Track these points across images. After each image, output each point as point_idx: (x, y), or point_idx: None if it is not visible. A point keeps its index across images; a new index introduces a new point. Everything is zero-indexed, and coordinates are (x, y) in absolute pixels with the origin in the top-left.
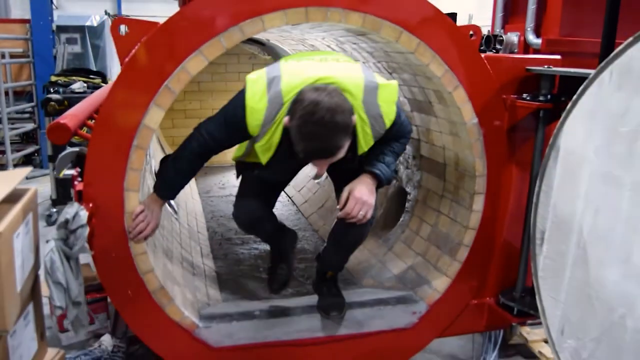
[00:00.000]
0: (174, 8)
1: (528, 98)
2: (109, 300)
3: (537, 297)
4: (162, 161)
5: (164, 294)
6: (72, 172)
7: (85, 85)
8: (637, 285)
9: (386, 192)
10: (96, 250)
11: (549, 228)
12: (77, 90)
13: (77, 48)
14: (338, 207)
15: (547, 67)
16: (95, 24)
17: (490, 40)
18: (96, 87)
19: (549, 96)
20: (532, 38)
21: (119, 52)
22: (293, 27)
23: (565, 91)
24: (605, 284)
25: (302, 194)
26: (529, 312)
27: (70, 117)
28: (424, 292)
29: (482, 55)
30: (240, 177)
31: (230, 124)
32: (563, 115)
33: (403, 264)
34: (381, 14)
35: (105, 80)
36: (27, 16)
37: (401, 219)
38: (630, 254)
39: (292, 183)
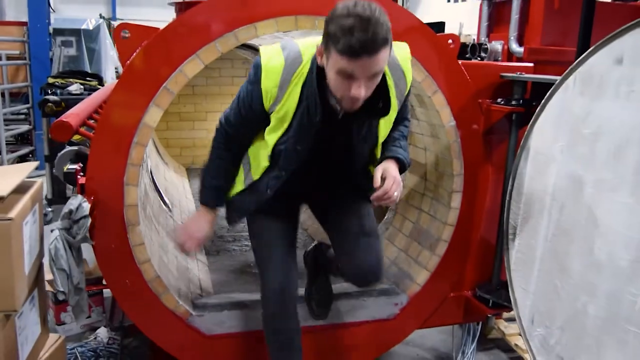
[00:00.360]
0: (167, 12)
1: (502, 102)
2: (104, 294)
3: (509, 289)
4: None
5: (160, 283)
6: (75, 166)
7: (82, 87)
8: (598, 276)
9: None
10: (97, 240)
11: (520, 223)
12: (74, 92)
13: (72, 51)
14: (374, 187)
15: (519, 74)
16: (90, 28)
17: (476, 49)
18: (92, 89)
19: (521, 101)
20: (515, 47)
21: (120, 55)
22: (284, 34)
23: (536, 96)
24: (570, 275)
25: None
26: (503, 303)
27: (73, 116)
28: (406, 285)
29: (460, 62)
30: (251, 234)
31: (244, 100)
32: (533, 118)
33: (386, 259)
34: None
35: (101, 83)
36: (22, 18)
37: (385, 217)
38: (592, 247)
39: None
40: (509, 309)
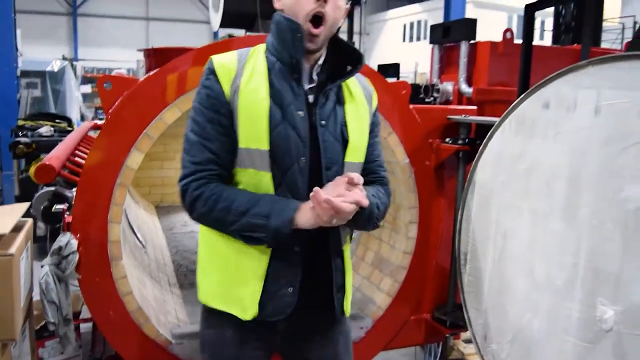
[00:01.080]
0: (128, 53)
1: (450, 142)
2: (81, 328)
3: (464, 309)
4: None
5: (141, 314)
6: (62, 206)
7: (52, 129)
8: (539, 294)
9: None
10: (83, 274)
11: (470, 250)
12: (44, 134)
13: (37, 92)
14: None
15: (464, 116)
16: (55, 69)
17: (429, 89)
18: (62, 131)
19: (466, 140)
20: (464, 87)
21: (104, 105)
22: None
23: (480, 135)
24: (515, 294)
25: None
26: (459, 323)
27: (54, 159)
28: (369, 310)
29: (411, 106)
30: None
31: (202, 100)
32: (477, 156)
33: (351, 287)
34: None
35: (70, 125)
36: None
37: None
38: (532, 269)
39: None
40: (465, 328)
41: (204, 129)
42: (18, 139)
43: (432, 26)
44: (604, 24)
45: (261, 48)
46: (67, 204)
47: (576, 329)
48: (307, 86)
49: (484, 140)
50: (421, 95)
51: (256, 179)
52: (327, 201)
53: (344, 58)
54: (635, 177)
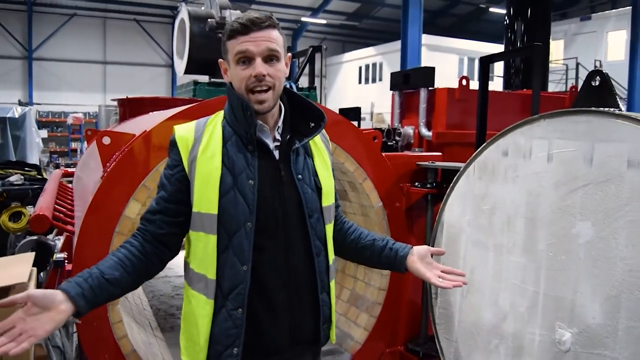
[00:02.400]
0: (84, 97)
1: (419, 185)
2: None
3: (436, 340)
4: None
5: (136, 357)
6: (63, 255)
7: (22, 177)
8: (504, 322)
9: None
10: (82, 319)
11: None
12: (15, 183)
13: None
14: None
15: (431, 162)
16: (16, 116)
17: (391, 133)
18: (32, 179)
19: (434, 184)
20: (424, 131)
21: (102, 158)
22: None
23: (446, 179)
24: (483, 323)
25: None
26: (432, 353)
27: (45, 209)
28: (347, 344)
29: (384, 154)
30: None
31: (165, 177)
32: (444, 198)
33: None
34: None
35: (40, 173)
36: None
37: None
38: (497, 299)
39: None
40: (437, 358)
41: (159, 194)
42: None
43: (392, 73)
44: (550, 65)
45: (220, 116)
46: (67, 253)
47: (538, 352)
48: (272, 145)
49: (451, 184)
50: (384, 139)
51: (205, 241)
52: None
53: (304, 113)
54: (583, 215)
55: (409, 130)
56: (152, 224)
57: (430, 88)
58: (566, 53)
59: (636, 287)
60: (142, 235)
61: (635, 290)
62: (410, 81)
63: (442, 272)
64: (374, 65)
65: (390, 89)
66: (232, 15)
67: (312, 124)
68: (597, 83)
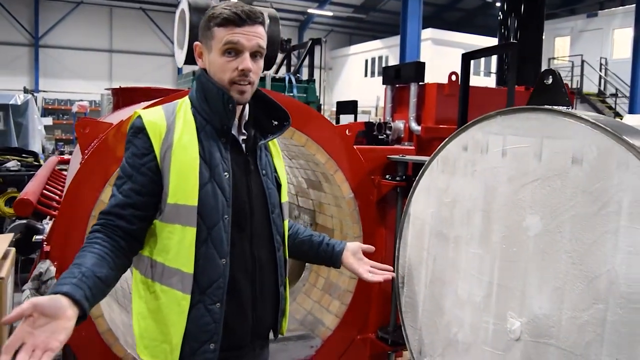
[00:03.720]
0: (89, 85)
1: (389, 178)
2: None
3: (402, 328)
4: None
5: (111, 335)
6: (42, 237)
7: (19, 164)
8: (462, 310)
9: None
10: None
11: (406, 274)
12: (12, 169)
13: None
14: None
15: (402, 156)
16: (19, 103)
17: (382, 127)
18: (29, 165)
19: (403, 177)
20: (414, 125)
21: (81, 145)
22: None
23: (416, 173)
24: (444, 312)
25: None
26: (399, 341)
27: (30, 193)
28: (319, 330)
29: (355, 147)
30: None
31: (129, 158)
32: (411, 190)
33: (304, 311)
34: None
35: (37, 159)
36: None
37: (302, 275)
38: (456, 288)
39: None
40: (404, 345)
41: (122, 185)
42: None
43: (384, 68)
44: (555, 62)
45: (187, 104)
46: (44, 235)
47: (492, 340)
48: (240, 138)
49: (417, 178)
50: (375, 133)
51: (181, 234)
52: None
53: (268, 112)
54: (532, 209)
55: (399, 124)
56: (122, 219)
57: (420, 83)
58: (572, 50)
59: (578, 279)
60: (113, 231)
61: (577, 282)
62: (401, 76)
63: (371, 267)
64: (380, 58)
65: (383, 83)
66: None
67: (275, 123)
68: (550, 82)
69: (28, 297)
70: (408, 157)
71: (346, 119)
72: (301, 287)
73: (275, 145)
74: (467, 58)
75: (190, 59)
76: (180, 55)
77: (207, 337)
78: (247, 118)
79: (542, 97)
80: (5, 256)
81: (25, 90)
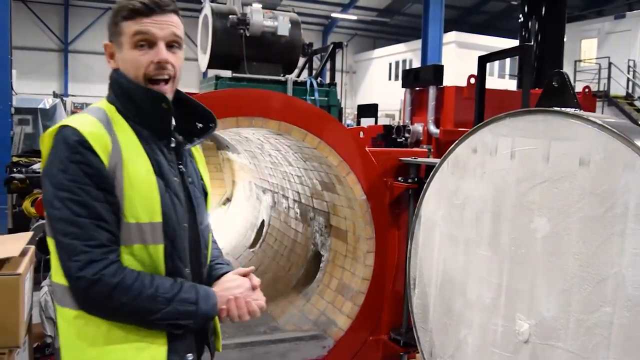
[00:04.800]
0: None
1: (401, 180)
2: None
3: (414, 329)
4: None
5: None
6: None
7: None
8: (472, 312)
9: (306, 255)
10: None
11: (418, 275)
12: (37, 170)
13: (29, 129)
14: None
15: (414, 158)
16: (47, 107)
17: (400, 130)
18: None
19: (415, 179)
20: (432, 128)
21: None
22: (225, 130)
23: (428, 175)
24: (453, 314)
25: (239, 260)
26: (411, 342)
27: None
28: (332, 331)
29: (368, 149)
30: None
31: (79, 178)
32: (422, 192)
33: (317, 311)
34: (291, 121)
35: None
36: None
37: (317, 277)
38: (465, 290)
39: (230, 251)
40: (416, 347)
41: (93, 209)
42: (13, 175)
43: (403, 71)
44: (581, 64)
45: (112, 110)
46: None
47: (501, 342)
48: (171, 145)
49: (427, 180)
50: (393, 136)
51: (145, 254)
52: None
53: (191, 114)
54: (540, 211)
55: (418, 127)
56: (114, 252)
57: (439, 86)
58: (599, 52)
59: (586, 281)
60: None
61: (584, 284)
62: (420, 79)
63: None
64: (404, 61)
65: (402, 86)
66: (254, 12)
67: (200, 125)
68: (558, 84)
69: (46, 294)
70: (420, 159)
71: (367, 122)
72: (315, 288)
73: (198, 151)
74: (482, 61)
75: (213, 63)
76: (204, 60)
77: (186, 347)
78: (174, 123)
79: (550, 99)
80: (24, 253)
81: (55, 95)
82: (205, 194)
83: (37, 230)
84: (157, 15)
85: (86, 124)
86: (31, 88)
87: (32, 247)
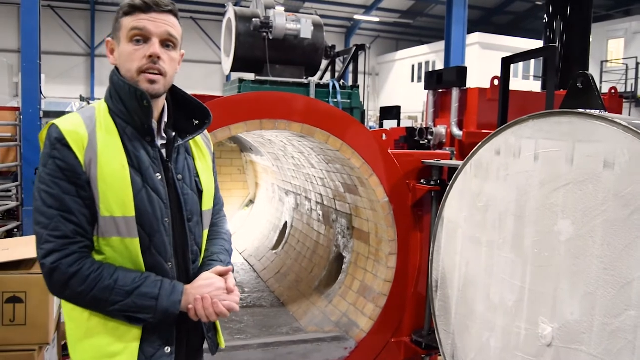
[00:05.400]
0: None
1: (424, 182)
2: None
3: (435, 331)
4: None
5: None
6: None
7: None
8: (495, 315)
9: (328, 257)
10: None
11: (440, 278)
12: None
13: None
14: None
15: (437, 160)
16: (74, 110)
17: (423, 132)
18: None
19: (438, 181)
20: (455, 130)
21: None
22: (249, 133)
23: (451, 177)
24: (476, 316)
25: (262, 262)
26: (433, 345)
27: None
28: (354, 332)
29: (391, 151)
30: None
31: (53, 172)
32: (445, 194)
33: (339, 313)
34: (314, 124)
35: None
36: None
37: (339, 278)
38: (488, 293)
39: (253, 252)
40: (438, 349)
41: (62, 202)
42: None
43: (426, 73)
44: (608, 65)
45: (103, 108)
46: None
47: (524, 345)
48: (159, 142)
49: (450, 182)
50: (416, 138)
51: (122, 246)
52: (226, 309)
53: (188, 111)
54: (564, 213)
55: (441, 129)
56: (77, 244)
57: (462, 88)
58: (626, 52)
59: (610, 284)
60: (87, 255)
61: (608, 288)
62: (443, 81)
63: None
64: (427, 63)
65: (425, 88)
66: (276, 15)
67: (196, 122)
68: (582, 85)
69: None
70: (443, 161)
71: (390, 124)
72: (337, 290)
73: (199, 146)
74: (506, 62)
75: (237, 67)
76: (227, 63)
77: (162, 340)
78: (166, 120)
79: (574, 101)
80: None
81: (82, 99)
82: (200, 192)
83: None
84: (154, 13)
85: (68, 123)
86: (59, 92)
87: None
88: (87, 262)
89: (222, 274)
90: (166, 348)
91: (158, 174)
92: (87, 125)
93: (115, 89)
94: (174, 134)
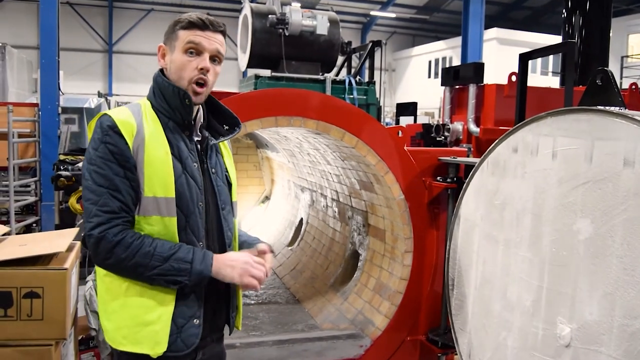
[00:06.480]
0: None
1: (440, 180)
2: None
3: (452, 330)
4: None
5: None
6: None
7: None
8: (511, 314)
9: (344, 254)
10: None
11: (456, 276)
12: None
13: (74, 128)
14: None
15: (453, 157)
16: (93, 106)
17: (440, 129)
18: None
19: (454, 178)
20: (472, 127)
21: None
22: (264, 130)
23: (467, 174)
24: (493, 315)
25: (277, 259)
26: (449, 344)
27: None
28: (369, 330)
29: (407, 148)
30: None
31: (105, 155)
32: (461, 192)
33: (355, 310)
34: (330, 121)
35: None
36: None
37: (354, 276)
38: (505, 292)
39: None
40: (454, 348)
41: (112, 181)
42: (59, 172)
43: (443, 69)
44: (628, 60)
45: (147, 105)
46: None
47: (541, 345)
48: (195, 138)
49: (467, 180)
50: (432, 134)
51: (161, 224)
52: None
53: (220, 117)
54: (583, 212)
55: (458, 126)
56: (122, 218)
57: (479, 84)
58: None
59: (630, 285)
60: (129, 227)
61: (629, 288)
62: (460, 77)
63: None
64: (444, 59)
65: (441, 85)
66: (292, 12)
67: (226, 127)
68: (601, 82)
69: (91, 288)
70: (459, 159)
71: (406, 120)
72: (353, 287)
73: (226, 148)
74: (524, 58)
75: (252, 63)
76: (243, 59)
77: (192, 312)
78: (202, 121)
79: (593, 98)
80: (70, 249)
81: (99, 95)
82: (230, 185)
83: (82, 226)
84: (209, 32)
85: (119, 113)
86: (77, 88)
87: (78, 243)
88: (129, 232)
89: (263, 252)
90: (195, 320)
91: (195, 164)
92: (135, 117)
93: (159, 88)
94: (207, 133)
